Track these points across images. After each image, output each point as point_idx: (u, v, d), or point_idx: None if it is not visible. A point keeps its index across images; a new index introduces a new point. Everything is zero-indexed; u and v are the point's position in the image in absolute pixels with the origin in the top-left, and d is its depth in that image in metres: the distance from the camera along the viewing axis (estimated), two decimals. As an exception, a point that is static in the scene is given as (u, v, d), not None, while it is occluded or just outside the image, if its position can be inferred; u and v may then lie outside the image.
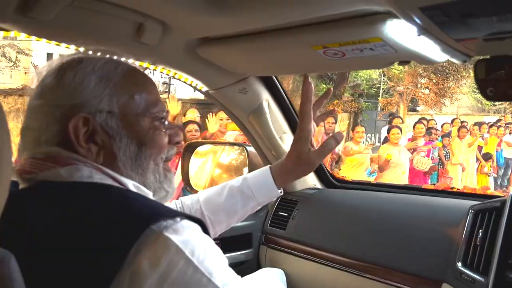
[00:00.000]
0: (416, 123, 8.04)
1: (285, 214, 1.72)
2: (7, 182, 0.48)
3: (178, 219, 0.66)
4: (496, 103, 19.39)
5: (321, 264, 1.53)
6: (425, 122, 8.91)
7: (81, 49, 1.11)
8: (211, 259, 0.66)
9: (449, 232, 1.30)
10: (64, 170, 0.72)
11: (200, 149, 1.93)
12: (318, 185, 1.85)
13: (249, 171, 1.85)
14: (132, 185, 0.78)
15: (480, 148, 10.02)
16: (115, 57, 0.88)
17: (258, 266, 1.74)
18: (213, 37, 1.19)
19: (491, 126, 11.05)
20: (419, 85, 17.19)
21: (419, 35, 0.83)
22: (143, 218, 0.65)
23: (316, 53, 1.05)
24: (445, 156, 8.83)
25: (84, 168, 0.74)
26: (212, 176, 2.02)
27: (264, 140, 1.59)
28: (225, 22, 1.05)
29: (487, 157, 9.88)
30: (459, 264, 1.19)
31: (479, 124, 11.01)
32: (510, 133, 11.10)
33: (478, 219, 1.21)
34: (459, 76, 16.85)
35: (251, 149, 1.88)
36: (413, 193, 1.69)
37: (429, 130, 8.39)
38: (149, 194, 0.81)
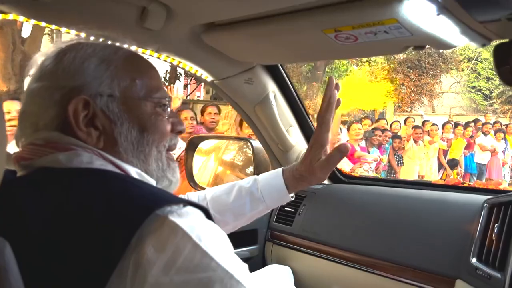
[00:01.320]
0: (352, 122, 6.58)
1: (291, 209, 1.68)
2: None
3: (182, 205, 0.64)
4: (494, 103, 19.22)
5: (329, 260, 1.49)
6: (367, 122, 7.84)
7: (82, 35, 1.07)
8: (219, 243, 0.63)
9: (463, 227, 1.26)
10: (63, 156, 0.69)
11: (203, 144, 1.89)
12: (325, 180, 1.81)
13: (254, 166, 1.82)
14: (135, 172, 0.75)
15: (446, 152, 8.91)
16: (117, 43, 0.85)
17: (263, 263, 1.70)
18: (218, 23, 1.15)
19: (456, 126, 9.31)
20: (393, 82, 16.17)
21: (438, 15, 0.79)
22: (146, 204, 0.61)
23: (327, 38, 1.01)
24: (397, 162, 7.63)
25: (84, 153, 0.70)
26: (216, 172, 1.98)
27: (270, 133, 1.55)
28: (232, 5, 1.01)
29: (452, 163, 8.64)
30: (474, 259, 1.16)
31: (455, 125, 9.55)
32: (484, 134, 9.63)
33: (493, 213, 1.17)
34: (438, 71, 16.08)
35: (256, 143, 1.84)
36: (422, 188, 1.65)
37: (372, 132, 6.87)
38: (152, 182, 0.78)
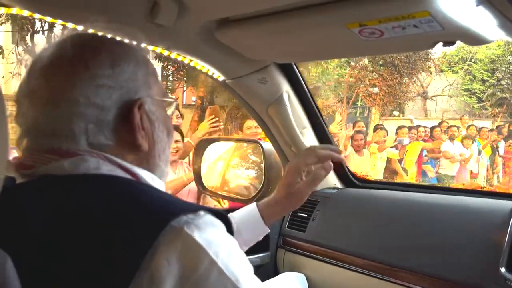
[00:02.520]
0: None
1: (304, 215, 1.62)
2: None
3: (201, 212, 0.59)
4: (489, 107, 18.50)
5: (345, 268, 1.43)
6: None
7: (90, 31, 1.01)
8: (237, 262, 0.59)
9: (488, 234, 1.20)
10: (68, 162, 0.63)
11: (212, 146, 1.83)
12: (338, 184, 1.75)
13: (265, 169, 1.76)
14: (149, 176, 0.70)
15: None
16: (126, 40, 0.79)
17: (275, 270, 1.64)
18: (233, 18, 1.09)
19: (410, 129, 7.96)
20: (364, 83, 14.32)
21: (477, 6, 0.73)
22: (161, 214, 0.57)
23: (350, 33, 0.94)
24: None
25: (91, 158, 0.64)
26: (225, 176, 1.92)
27: (283, 135, 1.49)
28: (248, -1, 0.95)
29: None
30: (503, 269, 1.11)
31: (416, 128, 8.26)
32: (450, 138, 8.11)
33: (524, 220, 1.11)
34: (413, 70, 14.51)
35: (266, 146, 1.78)
36: (439, 192, 1.59)
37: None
38: (163, 185, 0.74)
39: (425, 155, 8.08)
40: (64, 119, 0.64)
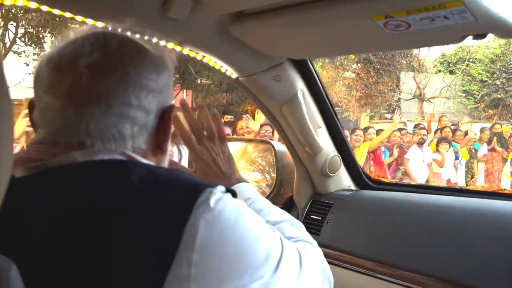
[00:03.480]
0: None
1: (318, 217, 1.57)
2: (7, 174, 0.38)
3: (220, 187, 0.61)
4: (483, 108, 17.54)
5: (362, 273, 1.39)
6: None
7: (99, 24, 0.97)
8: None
9: (515, 239, 1.14)
10: (79, 153, 0.60)
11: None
12: (353, 186, 1.70)
13: (277, 170, 1.71)
14: None
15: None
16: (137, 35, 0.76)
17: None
18: (249, 12, 1.05)
19: (400, 131, 7.10)
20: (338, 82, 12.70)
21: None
22: (190, 190, 0.59)
23: (375, 26, 0.89)
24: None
25: (104, 151, 0.62)
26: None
27: (298, 135, 1.44)
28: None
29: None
30: None
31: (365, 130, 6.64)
32: (420, 143, 6.80)
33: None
34: (393, 68, 13.32)
35: (278, 146, 1.73)
36: (457, 194, 1.53)
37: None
38: None
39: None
40: (115, 121, 0.63)
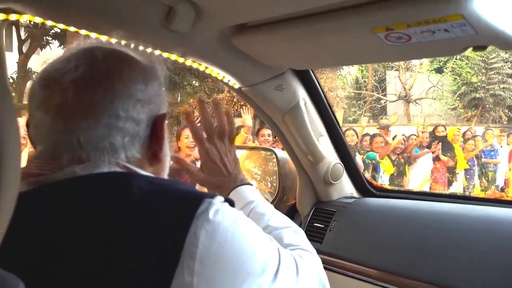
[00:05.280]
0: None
1: (321, 225, 1.57)
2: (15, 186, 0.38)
3: (219, 197, 0.62)
4: (461, 109, 16.23)
5: (365, 281, 1.38)
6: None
7: (103, 38, 0.98)
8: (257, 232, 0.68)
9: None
10: (80, 168, 0.61)
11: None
12: (355, 193, 1.70)
13: (280, 178, 1.72)
14: None
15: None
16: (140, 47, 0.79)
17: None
18: (251, 24, 1.05)
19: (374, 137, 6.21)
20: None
21: (518, 7, 0.68)
22: (190, 200, 0.60)
23: (376, 38, 0.90)
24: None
25: (103, 164, 0.63)
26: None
27: (300, 143, 1.44)
28: (268, 4, 0.91)
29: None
30: None
31: None
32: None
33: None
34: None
35: (281, 154, 1.73)
36: (463, 202, 1.53)
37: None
38: None
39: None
40: (104, 133, 0.63)
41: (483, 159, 7.99)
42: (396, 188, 2.52)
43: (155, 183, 0.63)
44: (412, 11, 0.81)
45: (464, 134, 8.39)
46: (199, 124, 0.95)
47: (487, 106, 16.42)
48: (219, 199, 0.61)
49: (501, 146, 8.54)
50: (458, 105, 17.05)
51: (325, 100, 1.48)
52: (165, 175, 0.74)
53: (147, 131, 0.67)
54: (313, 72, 1.41)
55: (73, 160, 0.62)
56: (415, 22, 0.82)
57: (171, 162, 0.78)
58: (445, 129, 7.65)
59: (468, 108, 16.76)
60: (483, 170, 7.99)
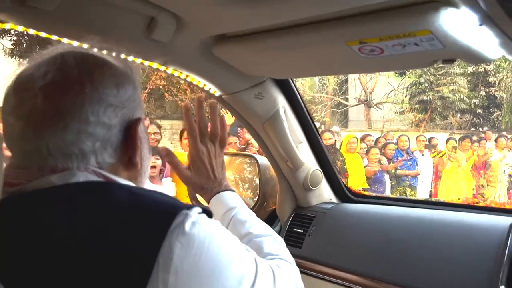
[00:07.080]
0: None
1: (300, 230, 1.60)
2: None
3: (196, 208, 0.62)
4: (409, 112, 14.53)
5: (342, 286, 1.41)
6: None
7: (85, 46, 0.99)
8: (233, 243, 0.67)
9: (487, 251, 1.20)
10: (56, 177, 0.61)
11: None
12: (334, 199, 1.74)
13: (261, 184, 1.74)
14: None
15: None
16: (122, 56, 0.78)
17: None
18: (231, 35, 1.08)
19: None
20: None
21: (480, 25, 0.72)
22: (166, 212, 0.60)
23: (350, 50, 0.94)
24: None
25: (79, 172, 0.63)
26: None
27: (280, 150, 1.47)
28: (247, 16, 0.93)
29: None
30: (502, 287, 1.10)
31: None
32: None
33: (521, 237, 1.10)
34: None
35: (262, 160, 1.76)
36: (435, 208, 1.58)
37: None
38: None
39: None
40: (73, 139, 0.62)
41: (398, 171, 6.58)
42: (374, 194, 2.56)
43: (132, 192, 0.63)
44: (383, 25, 0.85)
45: (377, 140, 7.29)
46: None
47: (437, 109, 15.21)
48: (196, 210, 0.61)
49: (422, 155, 7.34)
50: (406, 108, 15.86)
51: (304, 108, 1.52)
52: (144, 179, 0.74)
53: (120, 136, 0.67)
54: (292, 81, 1.44)
55: (44, 168, 0.62)
56: (387, 36, 0.86)
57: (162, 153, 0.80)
58: (333, 135, 6.26)
59: (418, 111, 15.69)
60: (397, 185, 6.52)
